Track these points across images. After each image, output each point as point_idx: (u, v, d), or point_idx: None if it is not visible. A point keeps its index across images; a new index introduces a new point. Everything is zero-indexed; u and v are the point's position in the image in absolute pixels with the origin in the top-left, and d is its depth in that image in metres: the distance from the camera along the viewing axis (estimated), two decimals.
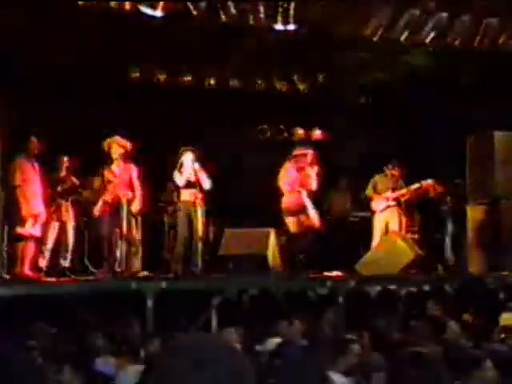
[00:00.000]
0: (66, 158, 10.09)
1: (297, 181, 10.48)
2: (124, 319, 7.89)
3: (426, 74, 12.79)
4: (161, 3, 8.84)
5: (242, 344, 6.49)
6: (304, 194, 10.48)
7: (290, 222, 10.50)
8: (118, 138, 9.82)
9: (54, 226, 9.76)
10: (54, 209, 9.74)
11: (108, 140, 9.82)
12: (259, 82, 12.47)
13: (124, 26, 9.86)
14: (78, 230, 10.32)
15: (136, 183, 9.80)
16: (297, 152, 10.67)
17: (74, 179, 10.11)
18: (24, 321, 7.15)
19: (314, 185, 10.53)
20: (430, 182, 11.48)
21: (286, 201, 10.49)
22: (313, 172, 10.53)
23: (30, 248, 9.24)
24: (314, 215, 10.52)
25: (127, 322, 7.81)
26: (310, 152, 10.63)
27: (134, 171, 9.79)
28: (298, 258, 10.58)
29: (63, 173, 10.06)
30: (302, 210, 10.44)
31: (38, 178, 9.34)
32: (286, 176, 10.53)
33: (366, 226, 11.54)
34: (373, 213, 11.25)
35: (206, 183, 9.86)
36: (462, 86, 11.89)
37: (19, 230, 9.17)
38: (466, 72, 11.91)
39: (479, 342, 6.13)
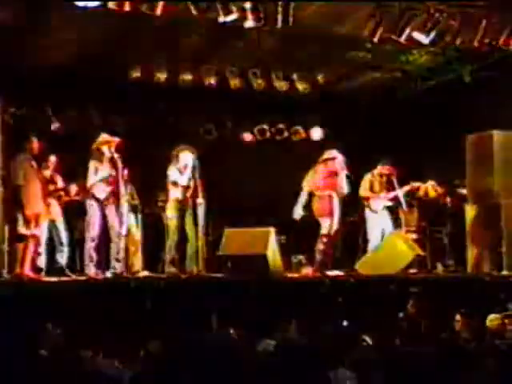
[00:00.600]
0: (54, 158, 10.08)
1: (328, 185, 10.42)
2: (124, 319, 7.91)
3: (426, 73, 12.82)
4: (161, 3, 8.82)
5: (241, 344, 6.51)
6: (335, 198, 10.45)
7: (322, 224, 10.44)
8: (107, 137, 9.79)
9: (45, 225, 9.77)
10: (46, 207, 9.72)
11: (98, 138, 9.78)
12: (259, 81, 12.46)
13: (124, 25, 9.86)
14: (70, 229, 10.34)
15: (126, 182, 9.78)
16: (326, 156, 10.62)
17: (60, 180, 10.11)
18: (25, 320, 7.16)
19: (345, 189, 10.51)
20: (429, 183, 11.52)
21: (316, 203, 10.43)
22: (343, 176, 10.50)
23: (31, 248, 9.24)
24: (337, 221, 10.48)
25: (127, 322, 7.82)
26: (339, 156, 10.59)
27: (124, 170, 9.76)
28: (299, 259, 10.57)
29: (51, 173, 10.07)
30: (330, 214, 10.41)
31: (37, 178, 9.36)
32: (317, 179, 10.46)
33: (365, 226, 11.54)
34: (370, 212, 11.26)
35: (200, 197, 9.88)
36: (461, 86, 11.90)
37: (22, 230, 9.16)
38: (466, 72, 11.91)
39: (477, 342, 6.15)
